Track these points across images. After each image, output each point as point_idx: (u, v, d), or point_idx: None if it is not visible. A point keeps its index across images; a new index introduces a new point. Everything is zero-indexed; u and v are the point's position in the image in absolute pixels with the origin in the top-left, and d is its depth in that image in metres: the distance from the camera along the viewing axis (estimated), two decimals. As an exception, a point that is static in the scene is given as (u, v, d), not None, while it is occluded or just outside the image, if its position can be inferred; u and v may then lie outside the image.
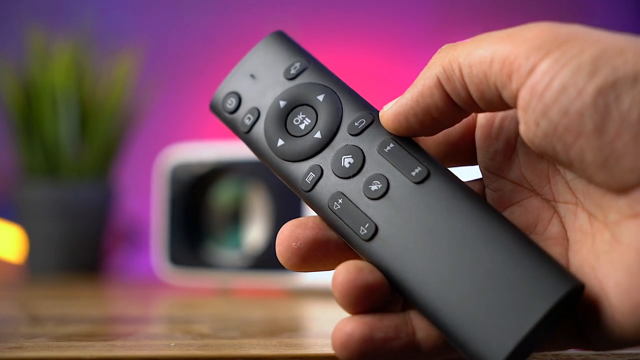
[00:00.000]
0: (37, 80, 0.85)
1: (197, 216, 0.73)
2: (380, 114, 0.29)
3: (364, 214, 0.28)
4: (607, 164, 0.24)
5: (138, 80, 0.91)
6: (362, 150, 0.29)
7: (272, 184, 0.68)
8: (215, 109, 0.33)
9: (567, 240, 0.27)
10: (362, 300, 0.27)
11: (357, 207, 0.28)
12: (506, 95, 0.26)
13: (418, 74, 0.28)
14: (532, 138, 0.26)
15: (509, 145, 0.29)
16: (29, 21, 0.88)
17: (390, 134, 0.29)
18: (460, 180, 0.28)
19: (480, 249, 0.26)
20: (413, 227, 0.27)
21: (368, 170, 0.29)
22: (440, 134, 0.30)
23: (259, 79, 0.32)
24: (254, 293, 0.73)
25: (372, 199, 0.28)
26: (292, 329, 0.46)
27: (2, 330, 0.42)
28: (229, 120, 0.32)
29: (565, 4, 1.18)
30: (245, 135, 0.32)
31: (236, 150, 0.70)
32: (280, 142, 0.31)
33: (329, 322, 0.44)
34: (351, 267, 0.27)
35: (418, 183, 0.28)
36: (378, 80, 1.11)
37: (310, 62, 0.32)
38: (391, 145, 0.29)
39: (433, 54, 0.29)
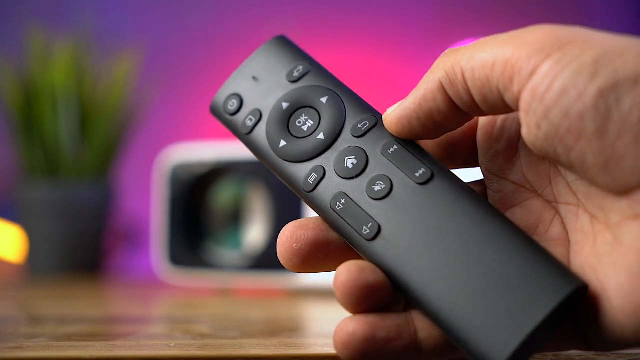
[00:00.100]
0: (37, 80, 0.85)
1: (197, 216, 0.73)
2: (383, 116, 0.29)
3: (367, 213, 0.28)
4: (608, 165, 0.24)
5: (138, 80, 0.91)
6: (365, 151, 0.29)
7: (272, 184, 0.68)
8: (215, 110, 0.33)
9: (569, 241, 0.28)
10: (363, 300, 0.27)
11: (359, 207, 0.28)
12: (508, 98, 0.26)
13: (418, 73, 0.28)
14: (534, 141, 0.26)
15: (511, 147, 0.29)
16: (29, 21, 0.88)
17: (393, 136, 0.29)
18: (464, 183, 0.28)
19: (484, 249, 0.26)
20: (416, 227, 0.27)
21: (371, 171, 0.29)
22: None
23: (261, 82, 0.32)
24: (254, 293, 0.74)
25: (375, 199, 0.28)
26: (292, 329, 0.46)
27: (2, 330, 0.42)
28: (230, 122, 0.32)
29: (566, 4, 1.18)
30: (246, 136, 0.32)
31: (236, 150, 0.70)
32: (283, 143, 0.31)
33: (329, 322, 0.44)
34: (353, 266, 0.27)
35: (422, 184, 0.28)
36: (378, 80, 1.11)
37: (313, 65, 0.32)
38: (395, 147, 0.29)
39: (433, 54, 0.29)
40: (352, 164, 0.29)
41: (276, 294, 0.71)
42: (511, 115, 0.29)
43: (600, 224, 0.26)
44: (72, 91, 0.85)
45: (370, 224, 0.28)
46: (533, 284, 0.25)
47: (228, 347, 0.34)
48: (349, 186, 0.29)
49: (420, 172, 0.28)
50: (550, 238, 0.28)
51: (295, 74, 0.32)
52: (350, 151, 0.29)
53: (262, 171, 0.68)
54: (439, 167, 0.28)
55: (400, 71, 1.13)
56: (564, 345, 0.28)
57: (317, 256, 0.29)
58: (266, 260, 0.68)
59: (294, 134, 0.31)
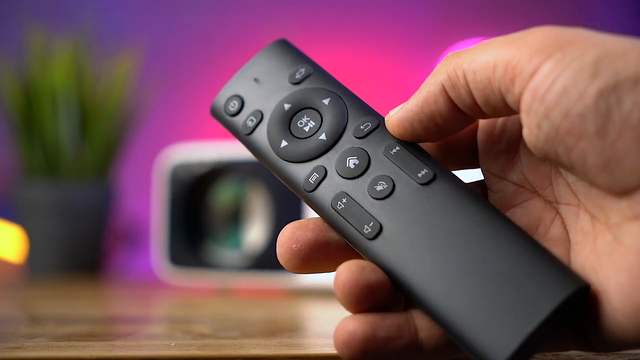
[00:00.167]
0: (37, 80, 0.85)
1: (197, 216, 0.73)
2: (385, 118, 0.30)
3: (369, 213, 0.28)
4: (609, 166, 0.24)
5: (138, 80, 0.91)
6: (367, 152, 0.29)
7: (272, 184, 0.68)
8: (216, 112, 0.33)
9: (569, 241, 0.28)
10: (364, 300, 0.27)
11: (361, 206, 0.28)
12: (510, 99, 0.26)
13: (418, 73, 0.29)
14: (535, 141, 0.26)
15: (512, 147, 0.29)
16: (29, 21, 0.88)
17: (395, 138, 0.29)
18: (466, 184, 0.28)
19: (486, 248, 0.26)
20: (418, 227, 0.27)
21: (373, 172, 0.29)
22: (441, 135, 0.30)
23: (262, 83, 0.32)
24: (254, 293, 0.74)
25: (377, 199, 0.28)
26: (292, 329, 0.46)
27: (2, 330, 0.42)
28: (230, 123, 0.32)
29: (566, 4, 1.18)
30: (246, 137, 0.32)
31: (236, 150, 0.70)
32: (284, 144, 0.31)
33: (329, 322, 0.44)
34: (353, 266, 0.27)
35: (424, 185, 0.28)
36: (378, 80, 1.11)
37: (315, 68, 0.32)
38: (397, 148, 0.29)
39: (433, 54, 0.29)
40: (354, 164, 0.29)
41: (276, 294, 0.71)
42: (512, 116, 0.29)
43: (600, 224, 0.26)
44: (72, 91, 0.85)
45: (371, 223, 0.28)
46: (535, 284, 0.25)
47: (228, 347, 0.34)
48: (350, 186, 0.29)
49: (423, 172, 0.28)
50: (550, 238, 0.28)
51: (297, 76, 0.32)
52: (352, 152, 0.29)
53: (262, 171, 0.68)
54: (441, 168, 0.29)
55: (400, 71, 1.13)
56: (564, 345, 0.28)
57: (317, 257, 0.29)
58: (266, 260, 0.68)
59: (296, 135, 0.31)
